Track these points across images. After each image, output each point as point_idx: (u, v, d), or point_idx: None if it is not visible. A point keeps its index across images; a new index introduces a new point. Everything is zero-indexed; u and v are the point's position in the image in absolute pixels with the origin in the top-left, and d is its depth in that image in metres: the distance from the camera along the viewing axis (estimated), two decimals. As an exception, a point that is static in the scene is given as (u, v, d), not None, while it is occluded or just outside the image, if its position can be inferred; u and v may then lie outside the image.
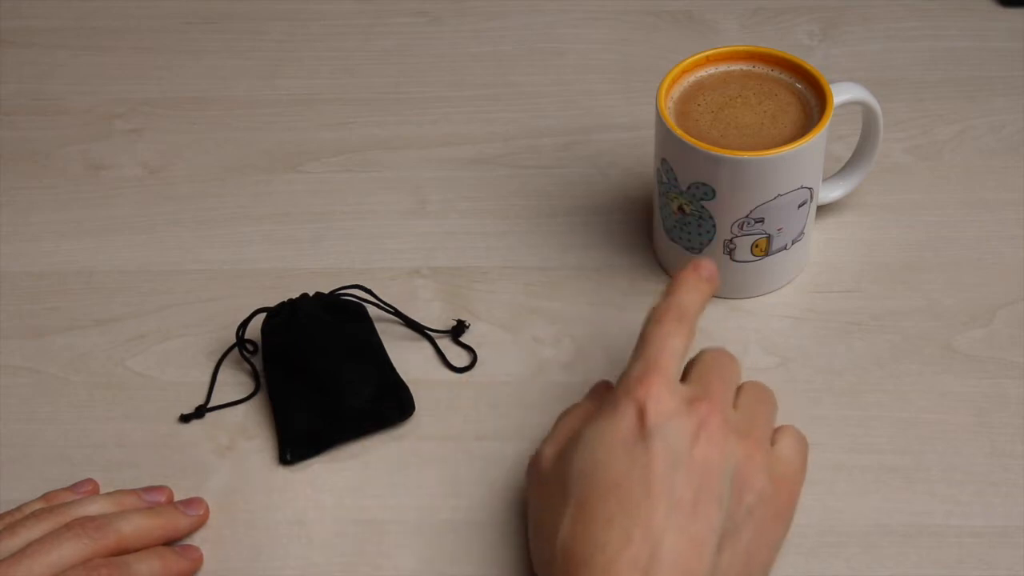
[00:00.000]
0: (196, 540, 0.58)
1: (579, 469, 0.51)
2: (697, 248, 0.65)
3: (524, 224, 0.72)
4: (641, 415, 0.50)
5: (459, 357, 0.65)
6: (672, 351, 0.52)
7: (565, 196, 0.74)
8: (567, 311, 0.67)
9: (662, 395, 0.51)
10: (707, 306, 0.56)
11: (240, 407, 0.63)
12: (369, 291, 0.66)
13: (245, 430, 0.62)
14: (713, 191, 0.62)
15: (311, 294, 0.64)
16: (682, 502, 0.49)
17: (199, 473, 0.61)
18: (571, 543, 0.49)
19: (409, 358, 0.65)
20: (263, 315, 0.64)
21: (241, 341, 0.65)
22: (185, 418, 0.63)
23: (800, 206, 0.63)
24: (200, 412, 0.63)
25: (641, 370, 0.52)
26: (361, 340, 0.64)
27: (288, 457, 0.61)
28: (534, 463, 0.55)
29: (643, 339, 0.53)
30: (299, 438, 0.61)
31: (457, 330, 0.66)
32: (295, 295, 0.64)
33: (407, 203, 0.74)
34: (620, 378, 0.53)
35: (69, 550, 0.53)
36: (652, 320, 0.54)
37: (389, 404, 0.62)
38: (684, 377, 0.54)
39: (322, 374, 0.62)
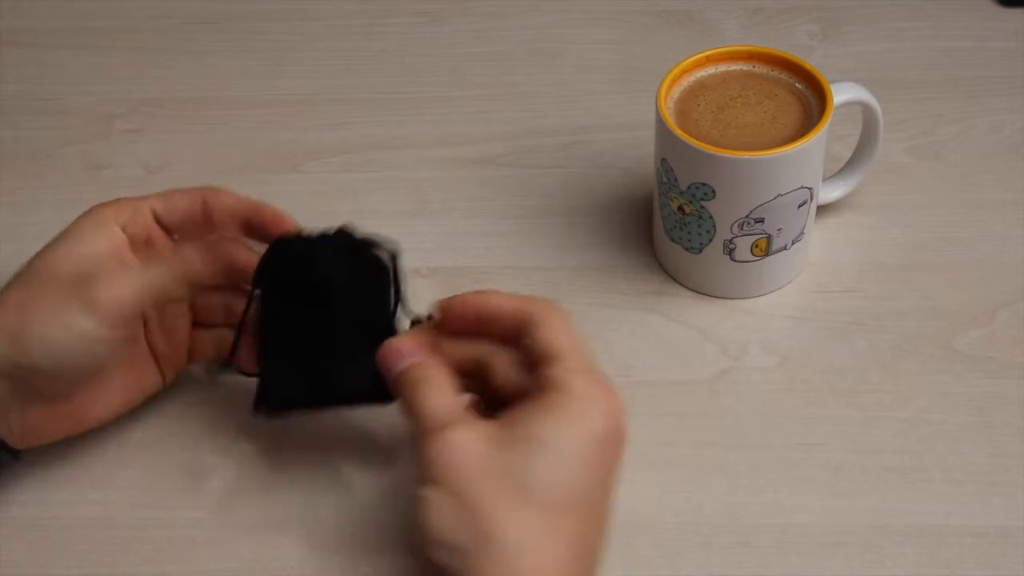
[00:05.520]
0: (194, 539, 0.58)
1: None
2: (697, 248, 0.65)
3: (524, 224, 0.72)
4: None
5: (459, 357, 0.65)
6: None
7: (565, 196, 0.74)
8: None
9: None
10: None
11: (242, 406, 0.63)
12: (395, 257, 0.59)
13: (245, 430, 0.62)
14: (713, 191, 0.62)
15: (333, 232, 0.57)
16: None
17: (199, 473, 0.61)
18: None
19: (409, 358, 0.65)
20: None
21: (261, 271, 0.58)
22: (214, 373, 0.63)
23: (800, 206, 0.63)
24: (226, 364, 0.59)
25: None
26: (374, 312, 0.58)
27: (261, 414, 0.58)
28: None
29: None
30: (279, 401, 0.58)
31: (457, 330, 0.65)
32: None
33: (407, 203, 0.74)
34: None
35: None
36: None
37: (380, 387, 0.56)
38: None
39: (326, 342, 0.57)
